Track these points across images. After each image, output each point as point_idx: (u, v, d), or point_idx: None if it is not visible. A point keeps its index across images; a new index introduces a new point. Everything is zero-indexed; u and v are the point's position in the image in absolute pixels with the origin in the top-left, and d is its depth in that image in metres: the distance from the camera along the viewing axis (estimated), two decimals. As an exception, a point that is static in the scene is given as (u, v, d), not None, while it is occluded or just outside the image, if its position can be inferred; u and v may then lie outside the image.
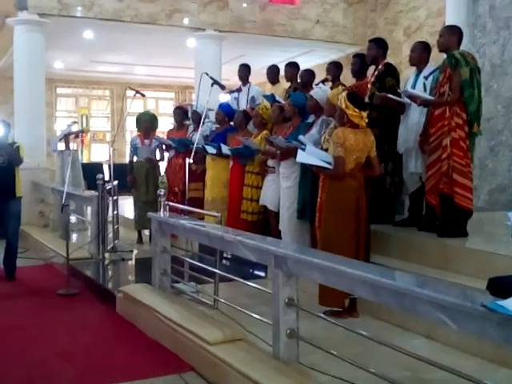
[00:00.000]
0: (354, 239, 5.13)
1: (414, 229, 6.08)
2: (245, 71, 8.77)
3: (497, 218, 7.16)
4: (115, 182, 8.71)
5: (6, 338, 5.42)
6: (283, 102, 7.22)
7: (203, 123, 7.96)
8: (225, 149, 7.55)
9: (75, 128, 11.29)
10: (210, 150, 7.76)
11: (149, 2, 11.64)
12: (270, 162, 6.79)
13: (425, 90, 5.91)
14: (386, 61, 6.36)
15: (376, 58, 6.39)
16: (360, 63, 6.69)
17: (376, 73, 6.34)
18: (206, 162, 8.02)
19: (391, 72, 6.28)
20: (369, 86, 6.33)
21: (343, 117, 5.15)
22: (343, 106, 5.11)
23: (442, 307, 2.85)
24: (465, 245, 5.54)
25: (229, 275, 5.34)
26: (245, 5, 12.40)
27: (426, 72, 5.97)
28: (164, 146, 8.98)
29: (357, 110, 5.08)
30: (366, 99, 5.95)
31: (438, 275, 4.99)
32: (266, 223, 7.07)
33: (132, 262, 8.09)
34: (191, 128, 8.77)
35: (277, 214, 6.66)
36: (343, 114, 5.13)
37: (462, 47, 5.80)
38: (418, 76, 6.08)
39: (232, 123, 8.11)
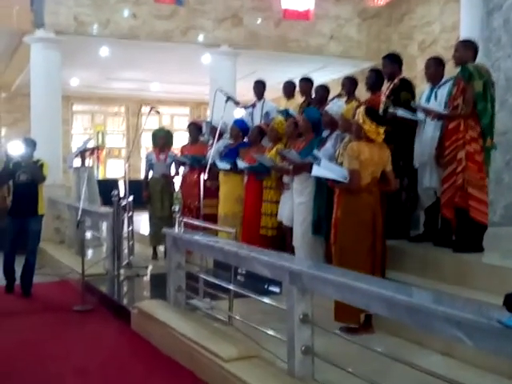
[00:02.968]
0: (369, 255, 5.09)
1: (429, 244, 6.03)
2: (260, 87, 8.80)
3: (514, 233, 7.10)
4: (130, 198, 8.73)
5: (22, 354, 5.43)
6: (297, 116, 7.23)
7: (218, 139, 7.99)
8: (241, 164, 7.55)
9: (91, 144, 11.37)
10: (222, 165, 7.77)
11: (164, 19, 11.74)
12: (285, 179, 6.78)
13: (436, 99, 5.89)
14: (401, 75, 6.35)
15: (392, 73, 6.38)
16: (375, 77, 6.67)
17: (391, 86, 6.33)
18: (219, 178, 8.03)
19: (407, 86, 6.26)
20: (383, 98, 6.32)
21: (360, 131, 5.14)
22: (360, 120, 5.11)
23: (457, 324, 2.82)
24: (481, 260, 5.48)
25: (243, 291, 5.31)
26: (259, 21, 12.47)
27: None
28: (179, 162, 9.01)
29: (374, 125, 5.07)
30: (380, 112, 5.93)
31: (454, 291, 4.94)
32: (283, 239, 7.05)
33: (147, 278, 8.10)
34: (210, 142, 8.77)
35: (292, 230, 6.64)
36: (360, 128, 5.13)
37: (477, 61, 5.78)
38: (432, 90, 6.06)
39: (246, 139, 8.12)
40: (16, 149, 7.63)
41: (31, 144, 7.73)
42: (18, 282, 7.77)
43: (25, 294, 7.62)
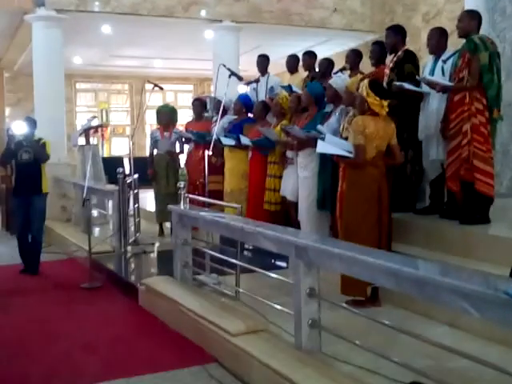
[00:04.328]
0: (375, 228, 5.10)
1: (435, 216, 6.03)
2: (264, 62, 8.73)
3: (520, 204, 7.08)
4: (136, 176, 8.74)
5: (30, 332, 5.47)
6: (300, 92, 7.19)
7: (223, 115, 7.97)
8: (244, 140, 7.52)
9: (95, 122, 11.36)
10: (226, 141, 7.75)
11: (165, -6, 11.65)
12: (289, 153, 6.76)
13: (443, 73, 5.85)
14: (405, 47, 6.30)
15: (395, 45, 6.33)
16: (379, 51, 6.63)
17: (395, 59, 6.28)
18: (224, 154, 8.01)
19: (410, 58, 6.21)
20: (387, 71, 6.28)
21: (364, 105, 5.12)
22: (364, 93, 5.08)
23: (464, 295, 2.82)
24: (487, 232, 5.48)
25: (250, 266, 5.33)
26: (261, -6, 12.35)
27: (444, 57, 5.93)
28: (183, 139, 8.99)
29: (378, 98, 5.05)
30: (384, 85, 5.89)
31: (460, 263, 4.95)
32: (286, 214, 7.06)
33: (154, 255, 8.12)
34: (215, 119, 8.74)
35: (296, 205, 6.63)
36: (364, 101, 5.10)
37: (482, 32, 5.73)
38: (436, 62, 6.01)
39: (249, 114, 8.09)
40: (18, 128, 7.61)
41: (32, 123, 7.72)
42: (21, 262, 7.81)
43: (32, 273, 7.65)
